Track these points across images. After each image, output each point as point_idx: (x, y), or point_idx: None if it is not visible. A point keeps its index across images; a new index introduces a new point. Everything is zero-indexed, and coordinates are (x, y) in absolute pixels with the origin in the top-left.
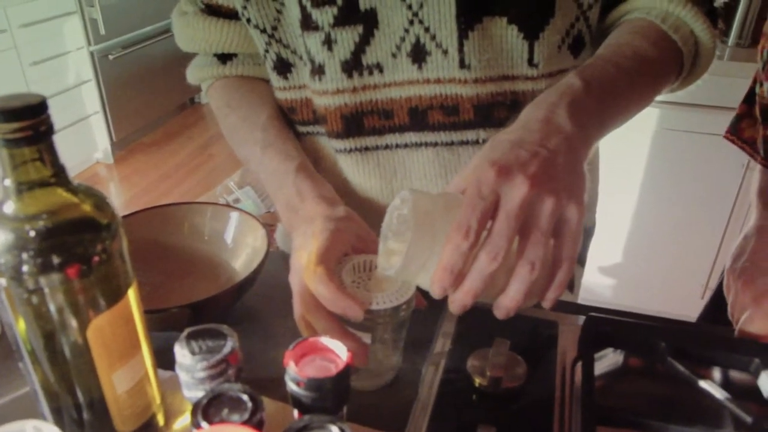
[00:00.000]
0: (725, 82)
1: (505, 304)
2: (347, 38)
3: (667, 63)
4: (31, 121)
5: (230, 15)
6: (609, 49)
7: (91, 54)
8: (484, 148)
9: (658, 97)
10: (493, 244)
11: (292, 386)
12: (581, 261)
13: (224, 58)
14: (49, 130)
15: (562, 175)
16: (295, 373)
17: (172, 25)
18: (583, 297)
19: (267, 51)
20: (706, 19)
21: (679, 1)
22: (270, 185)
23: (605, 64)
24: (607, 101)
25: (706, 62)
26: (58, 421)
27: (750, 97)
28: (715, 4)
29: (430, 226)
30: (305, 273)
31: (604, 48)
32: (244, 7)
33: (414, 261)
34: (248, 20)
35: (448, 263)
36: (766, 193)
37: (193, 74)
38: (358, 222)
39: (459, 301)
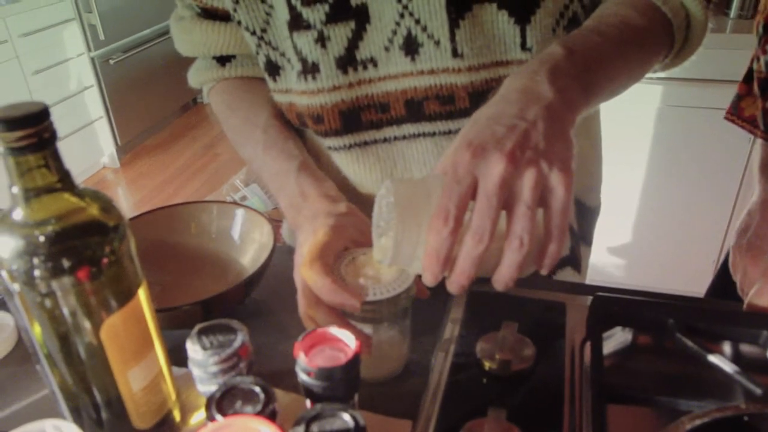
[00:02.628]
0: (728, 55)
1: (501, 278)
2: (340, 34)
3: (656, 32)
4: (35, 129)
5: (226, 18)
6: (594, 19)
7: (92, 60)
8: (464, 126)
9: (660, 74)
10: (476, 226)
11: (302, 376)
12: (588, 241)
13: (223, 60)
14: (53, 137)
15: (543, 144)
16: (306, 364)
17: (171, 30)
18: (593, 278)
19: (258, 53)
20: (702, 3)
21: None
22: (273, 185)
23: (589, 33)
24: (591, 67)
25: (698, 35)
26: (78, 420)
27: (749, 77)
28: None
29: (415, 213)
30: (303, 268)
31: (590, 19)
32: (234, 10)
33: (403, 249)
34: (239, 22)
35: (433, 250)
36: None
37: (194, 78)
38: (360, 217)
39: (455, 283)
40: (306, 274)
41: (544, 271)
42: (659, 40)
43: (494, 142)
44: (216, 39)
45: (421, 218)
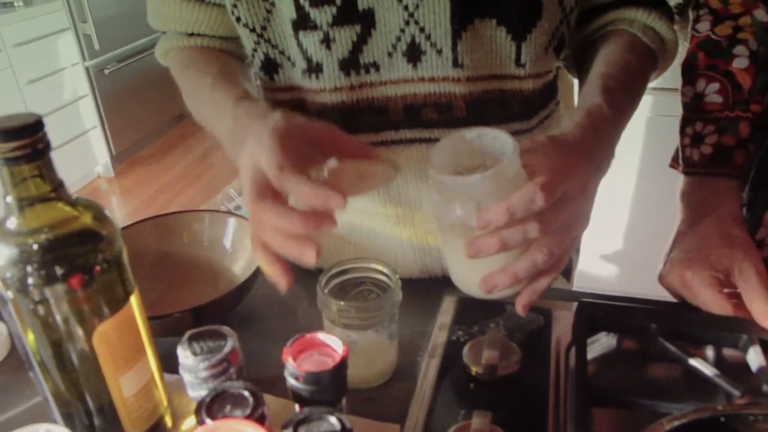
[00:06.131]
0: None
1: (499, 277)
2: (345, 37)
3: (650, 75)
4: (29, 140)
5: (203, 0)
6: (615, 68)
7: (87, 69)
8: (549, 141)
9: (650, 84)
10: (545, 218)
11: (291, 381)
12: (576, 249)
13: (191, 34)
14: (47, 148)
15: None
16: (294, 368)
17: (147, 3)
18: (585, 285)
19: (255, 50)
20: (672, 28)
21: (655, 17)
22: (213, 122)
23: (622, 92)
24: (620, 129)
25: (672, 54)
26: (70, 426)
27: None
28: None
29: (506, 179)
30: (273, 175)
31: (608, 65)
32: (234, 6)
33: (486, 185)
34: (237, 19)
35: (514, 206)
36: (687, 197)
37: (159, 48)
38: (296, 116)
39: (484, 242)
40: (279, 183)
41: (521, 302)
42: (648, 82)
43: (585, 178)
44: (189, 15)
45: (509, 184)
